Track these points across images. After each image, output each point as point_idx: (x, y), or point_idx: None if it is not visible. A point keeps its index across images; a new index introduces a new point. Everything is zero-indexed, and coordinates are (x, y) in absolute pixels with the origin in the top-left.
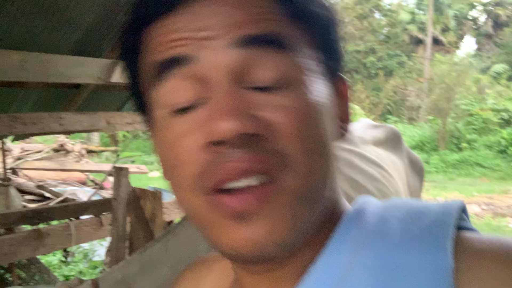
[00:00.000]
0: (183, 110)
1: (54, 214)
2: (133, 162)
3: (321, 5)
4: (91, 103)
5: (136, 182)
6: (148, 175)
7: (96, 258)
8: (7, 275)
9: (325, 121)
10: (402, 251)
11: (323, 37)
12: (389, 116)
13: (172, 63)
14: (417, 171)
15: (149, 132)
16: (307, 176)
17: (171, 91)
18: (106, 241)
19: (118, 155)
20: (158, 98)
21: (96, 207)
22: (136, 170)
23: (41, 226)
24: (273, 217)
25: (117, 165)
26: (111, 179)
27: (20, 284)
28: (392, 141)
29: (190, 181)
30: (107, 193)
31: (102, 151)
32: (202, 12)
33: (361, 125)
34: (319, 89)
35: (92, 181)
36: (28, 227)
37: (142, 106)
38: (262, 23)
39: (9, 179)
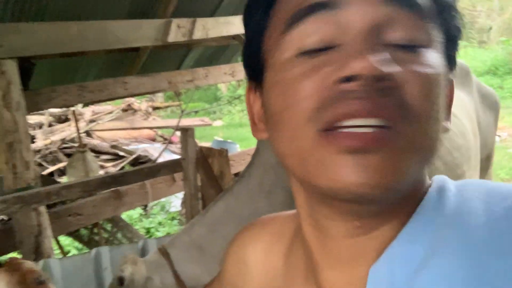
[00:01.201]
0: (313, 52)
1: (130, 178)
2: (196, 113)
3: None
4: (151, 64)
5: (201, 133)
6: (212, 125)
7: (172, 209)
8: (93, 235)
9: (441, 100)
10: (488, 232)
11: (451, 28)
12: None
13: (315, 7)
14: (489, 105)
15: (255, 85)
16: (425, 132)
17: (305, 33)
18: (181, 193)
19: (182, 111)
20: (285, 42)
21: (168, 167)
22: (200, 122)
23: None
24: (388, 160)
25: (181, 121)
26: (178, 133)
27: (106, 242)
28: (460, 78)
29: (306, 115)
30: (176, 147)
31: (167, 106)
32: None
33: None
34: (445, 67)
35: (161, 136)
36: None
37: (254, 57)
38: None
39: (85, 145)
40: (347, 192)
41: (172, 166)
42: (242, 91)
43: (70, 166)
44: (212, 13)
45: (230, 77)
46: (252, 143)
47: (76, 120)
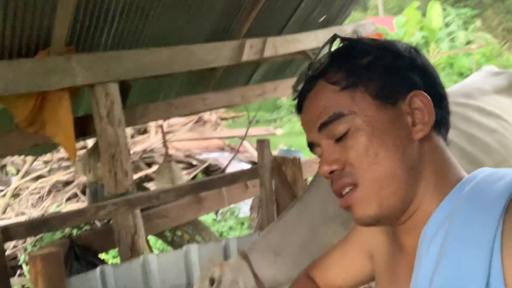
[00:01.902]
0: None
1: (215, 184)
2: (257, 122)
3: (367, 61)
4: (224, 80)
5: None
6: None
7: (241, 215)
8: (177, 233)
9: (379, 141)
10: (476, 207)
11: (380, 81)
12: None
13: (309, 145)
14: None
15: None
16: (369, 180)
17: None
18: (250, 200)
19: (249, 122)
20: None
21: (246, 174)
22: (265, 132)
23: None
24: (360, 206)
25: (249, 132)
26: (245, 142)
27: (187, 242)
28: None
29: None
30: (243, 156)
31: (233, 117)
32: (306, 114)
33: (482, 74)
34: (372, 124)
35: (228, 146)
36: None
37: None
38: (327, 110)
39: (171, 156)
40: (360, 225)
41: (250, 174)
42: None
43: (158, 174)
44: (280, 31)
45: None
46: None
47: (163, 133)
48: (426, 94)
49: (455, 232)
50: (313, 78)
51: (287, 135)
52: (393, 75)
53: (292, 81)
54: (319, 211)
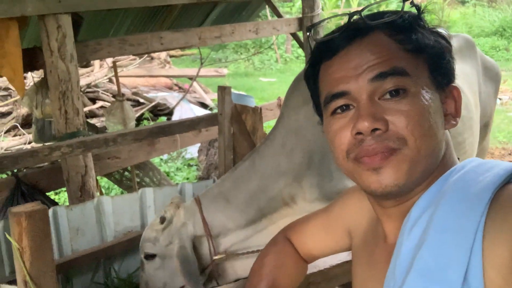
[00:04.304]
0: (339, 114)
1: (175, 129)
2: (201, 64)
3: (432, 39)
4: (179, 19)
5: (208, 81)
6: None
7: (188, 156)
8: (126, 174)
9: (431, 117)
10: (462, 197)
11: (435, 61)
12: None
13: (336, 94)
14: (491, 76)
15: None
16: (416, 149)
17: (334, 105)
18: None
19: (201, 63)
20: (326, 109)
21: (206, 121)
22: (214, 73)
23: None
24: (393, 171)
25: (196, 71)
26: (194, 83)
27: (137, 183)
28: (465, 51)
29: (342, 154)
30: (191, 97)
31: (182, 55)
32: (352, 58)
33: None
34: (427, 97)
35: (176, 85)
36: None
37: (316, 106)
38: (389, 62)
39: (123, 95)
40: (375, 192)
41: (208, 120)
42: (248, 40)
43: (109, 113)
44: None
45: (254, 34)
46: (258, 93)
47: (116, 72)
48: (460, 90)
49: (439, 219)
50: (369, 27)
51: (232, 75)
52: (448, 62)
53: (250, 25)
54: (273, 165)
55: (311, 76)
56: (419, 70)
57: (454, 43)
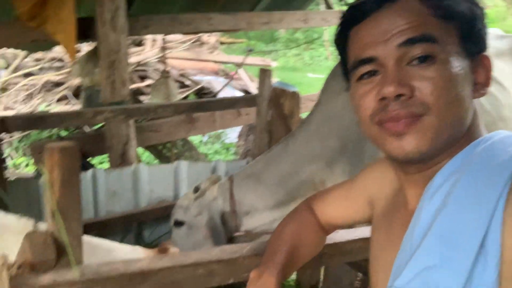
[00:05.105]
0: (365, 79)
1: (213, 106)
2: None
3: (465, 6)
4: (229, 3)
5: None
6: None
7: (227, 141)
8: (165, 151)
9: (459, 85)
10: (487, 166)
11: (467, 29)
12: None
13: (364, 60)
14: None
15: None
16: (441, 117)
17: (362, 71)
18: (238, 127)
19: (249, 50)
20: (353, 74)
21: (244, 101)
22: (262, 63)
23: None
24: (417, 137)
25: (245, 60)
26: (239, 70)
27: (175, 159)
28: None
29: (367, 118)
30: (236, 83)
31: (231, 42)
32: (380, 23)
33: None
34: (456, 65)
35: (223, 71)
36: None
37: (344, 70)
38: (418, 27)
39: (168, 72)
40: (397, 158)
41: (247, 101)
42: (300, 34)
43: (154, 89)
44: None
45: (303, 23)
46: (304, 88)
47: (164, 48)
48: (490, 60)
49: (462, 185)
50: None
51: (281, 69)
52: (480, 30)
53: (300, 13)
54: (306, 149)
55: (340, 41)
56: (449, 37)
57: (506, 43)
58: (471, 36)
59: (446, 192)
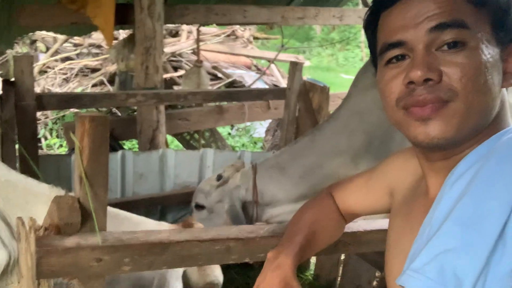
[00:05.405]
0: (392, 64)
1: (242, 96)
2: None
3: None
4: None
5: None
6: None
7: (255, 135)
8: (192, 141)
9: (488, 73)
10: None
11: (499, 16)
12: None
13: (393, 44)
14: None
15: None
16: (468, 104)
17: (390, 55)
18: (266, 122)
19: (282, 46)
20: (381, 59)
21: (273, 93)
22: (294, 59)
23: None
24: (442, 123)
25: (278, 56)
26: (272, 66)
27: (203, 147)
28: None
29: (393, 102)
30: (268, 79)
31: (265, 38)
32: (412, 7)
33: None
34: (486, 52)
35: (255, 65)
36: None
37: (373, 55)
38: (449, 13)
39: (201, 61)
40: (421, 143)
41: (276, 93)
42: (336, 35)
43: (186, 77)
44: None
45: (338, 20)
46: (336, 88)
47: (198, 37)
48: None
49: (485, 173)
50: None
51: (314, 68)
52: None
53: (335, 10)
54: (332, 143)
55: (370, 25)
56: (481, 24)
57: None
58: (503, 25)
59: (469, 180)
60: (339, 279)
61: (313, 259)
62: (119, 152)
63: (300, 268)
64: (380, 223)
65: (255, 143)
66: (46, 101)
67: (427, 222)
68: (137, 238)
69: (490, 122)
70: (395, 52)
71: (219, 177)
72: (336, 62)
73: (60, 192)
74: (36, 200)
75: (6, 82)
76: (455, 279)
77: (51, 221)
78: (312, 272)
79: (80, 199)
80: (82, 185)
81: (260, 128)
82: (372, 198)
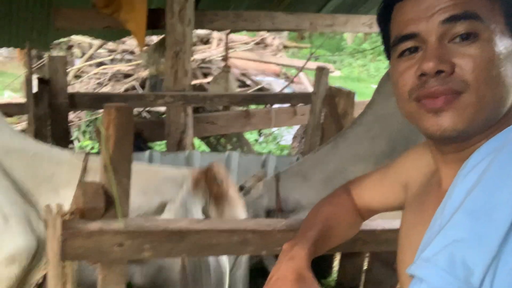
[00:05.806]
0: (405, 56)
1: (268, 99)
2: (316, 59)
3: None
4: (295, 3)
5: None
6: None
7: (282, 142)
8: (220, 142)
9: (501, 65)
10: None
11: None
12: None
13: (406, 36)
14: None
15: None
16: (480, 95)
17: (402, 47)
18: (293, 129)
19: (311, 54)
20: (394, 51)
21: (299, 98)
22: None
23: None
24: (454, 115)
25: (307, 65)
26: (301, 74)
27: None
28: None
29: (406, 94)
30: (296, 87)
31: (295, 47)
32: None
33: None
34: (499, 44)
35: (284, 74)
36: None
37: (386, 47)
38: (462, 5)
39: (229, 67)
40: (433, 135)
41: (302, 98)
42: (368, 45)
43: (214, 81)
44: None
45: (368, 28)
46: (366, 98)
47: (227, 42)
48: None
49: (498, 164)
50: None
51: (344, 78)
52: None
53: (365, 18)
54: (355, 148)
55: (383, 18)
56: (494, 15)
57: None
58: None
59: (481, 171)
60: (361, 286)
61: (335, 266)
62: (147, 152)
63: (323, 274)
64: (399, 222)
65: (282, 150)
66: (78, 100)
67: (439, 213)
68: (158, 225)
69: (503, 114)
70: (408, 44)
71: (241, 188)
72: (367, 73)
73: (80, 156)
74: (60, 169)
75: (41, 80)
76: (466, 269)
77: (76, 206)
78: (335, 278)
79: (105, 186)
80: (106, 172)
81: (287, 136)
82: (388, 194)
